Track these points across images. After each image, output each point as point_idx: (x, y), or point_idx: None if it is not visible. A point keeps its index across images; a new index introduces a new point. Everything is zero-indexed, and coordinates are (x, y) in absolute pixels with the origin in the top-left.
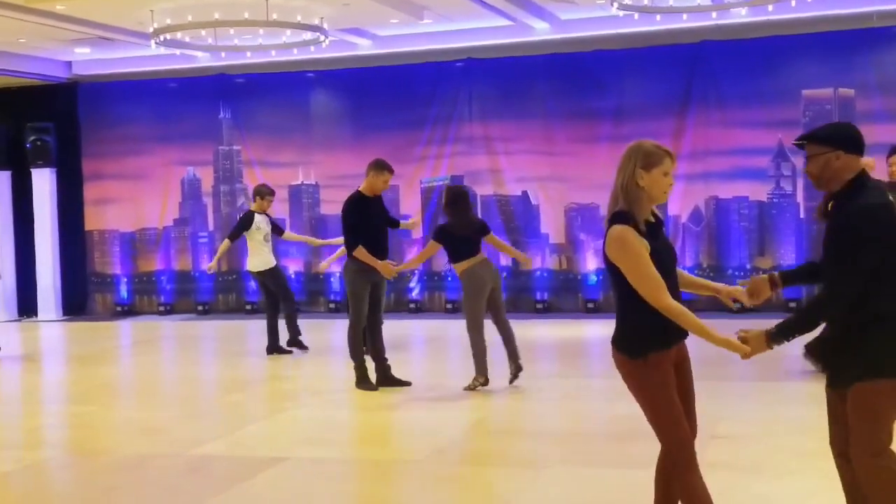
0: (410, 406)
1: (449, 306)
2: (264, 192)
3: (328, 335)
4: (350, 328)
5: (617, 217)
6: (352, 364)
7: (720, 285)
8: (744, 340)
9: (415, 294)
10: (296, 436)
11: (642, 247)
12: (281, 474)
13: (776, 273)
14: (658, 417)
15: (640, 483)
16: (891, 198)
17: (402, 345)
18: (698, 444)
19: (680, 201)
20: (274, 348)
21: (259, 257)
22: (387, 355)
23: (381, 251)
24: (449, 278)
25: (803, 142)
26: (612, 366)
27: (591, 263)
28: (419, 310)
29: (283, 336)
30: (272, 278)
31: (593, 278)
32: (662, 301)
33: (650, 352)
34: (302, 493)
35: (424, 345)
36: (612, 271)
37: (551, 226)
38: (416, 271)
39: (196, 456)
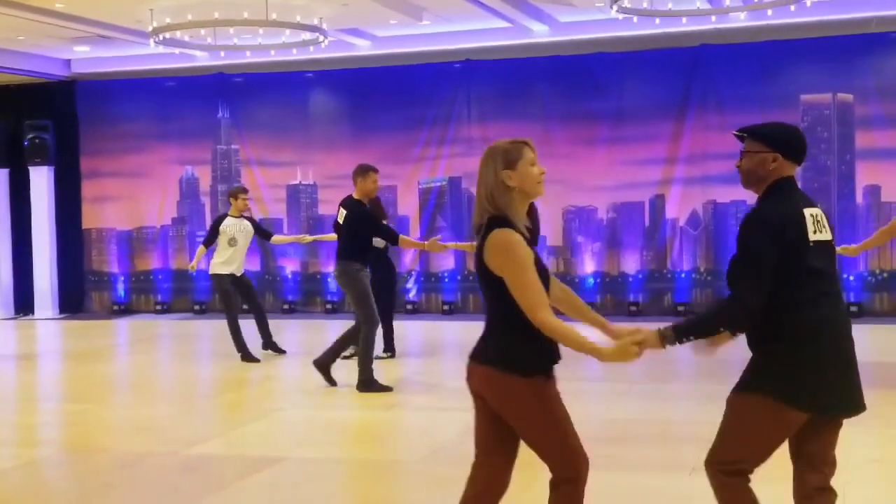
0: (407, 407)
1: (445, 307)
2: (236, 193)
3: (325, 336)
4: (368, 332)
5: (495, 221)
6: (347, 364)
7: (615, 330)
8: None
9: (412, 295)
10: (292, 436)
11: (529, 254)
12: (277, 474)
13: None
14: (564, 439)
15: (635, 486)
16: (813, 212)
17: (399, 346)
18: (695, 449)
19: (678, 205)
20: (268, 345)
21: (216, 259)
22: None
23: (369, 258)
24: (446, 279)
25: (743, 134)
26: (609, 368)
27: (588, 266)
28: (416, 311)
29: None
30: (224, 283)
31: (591, 281)
32: (543, 316)
33: (550, 368)
34: (299, 493)
35: (421, 346)
36: (491, 281)
37: (548, 228)
38: (413, 272)
39: (192, 455)
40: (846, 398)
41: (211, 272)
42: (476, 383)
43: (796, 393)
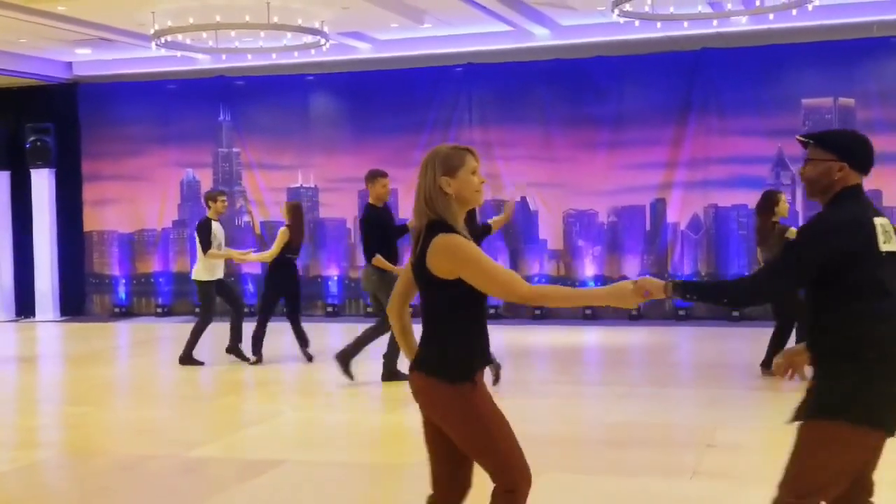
0: (407, 409)
1: None
2: (215, 196)
3: (325, 339)
4: (376, 330)
5: (435, 227)
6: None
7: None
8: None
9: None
10: (292, 438)
11: (478, 248)
12: (278, 477)
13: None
14: (500, 447)
15: (634, 490)
16: (882, 221)
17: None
18: (695, 453)
19: (679, 209)
20: (234, 350)
21: (203, 265)
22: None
23: (394, 258)
24: None
25: (809, 141)
26: (609, 372)
27: (588, 270)
28: (416, 314)
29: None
30: (211, 290)
31: (591, 285)
32: (523, 290)
33: (475, 374)
34: (299, 496)
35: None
36: (431, 286)
37: (549, 232)
38: None
39: (192, 458)
40: None
41: (197, 278)
42: (412, 390)
43: (879, 415)
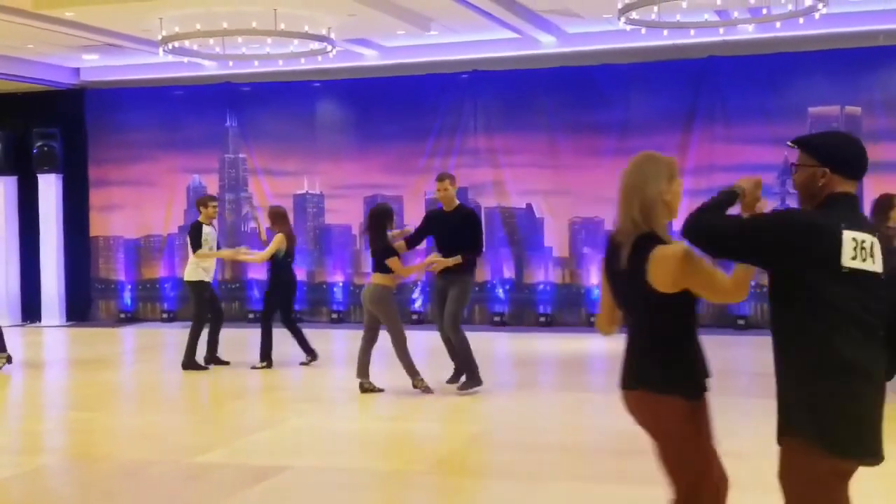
0: (412, 416)
1: None
2: (206, 201)
3: (330, 345)
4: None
5: (648, 239)
6: (354, 374)
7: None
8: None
9: (417, 305)
10: (297, 445)
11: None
12: (282, 484)
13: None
14: (693, 471)
15: (641, 499)
16: (860, 236)
17: None
18: None
19: (683, 217)
20: (212, 359)
21: (196, 266)
22: (384, 366)
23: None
24: None
25: (795, 146)
26: (615, 380)
27: (594, 277)
28: (420, 321)
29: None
30: (205, 291)
31: (597, 292)
32: (731, 293)
33: (706, 387)
34: (302, 502)
35: (426, 355)
36: (649, 302)
37: (555, 239)
38: (419, 282)
39: (196, 464)
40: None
41: (192, 279)
42: (632, 409)
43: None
